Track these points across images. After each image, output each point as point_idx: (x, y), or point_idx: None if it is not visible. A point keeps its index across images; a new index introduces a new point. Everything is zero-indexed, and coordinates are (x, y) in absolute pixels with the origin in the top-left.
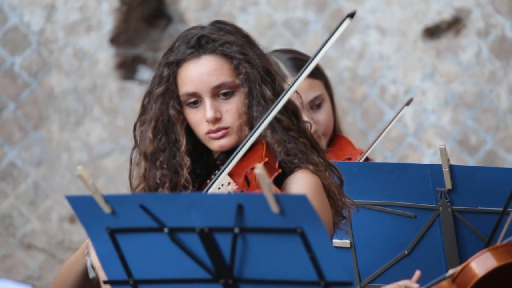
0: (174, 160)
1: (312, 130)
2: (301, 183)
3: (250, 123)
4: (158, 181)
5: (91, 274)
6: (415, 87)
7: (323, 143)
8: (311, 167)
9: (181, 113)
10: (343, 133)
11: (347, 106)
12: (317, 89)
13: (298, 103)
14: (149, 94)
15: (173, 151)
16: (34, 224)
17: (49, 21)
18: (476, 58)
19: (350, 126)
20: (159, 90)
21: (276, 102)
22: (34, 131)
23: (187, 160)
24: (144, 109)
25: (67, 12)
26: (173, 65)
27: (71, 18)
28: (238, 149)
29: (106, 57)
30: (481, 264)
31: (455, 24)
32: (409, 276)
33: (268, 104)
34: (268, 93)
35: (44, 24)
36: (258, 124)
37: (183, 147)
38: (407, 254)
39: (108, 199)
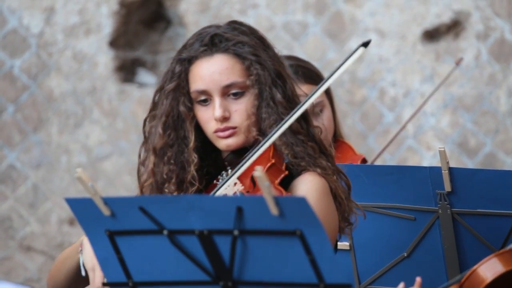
0: (182, 156)
1: (322, 136)
2: (308, 185)
3: (259, 124)
4: (165, 176)
5: (83, 273)
6: (414, 89)
7: (332, 149)
8: (318, 170)
9: (191, 110)
10: (344, 138)
11: (346, 108)
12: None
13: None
14: (160, 89)
15: (182, 147)
16: (34, 227)
17: (48, 24)
18: (476, 61)
19: (349, 129)
20: (170, 86)
21: (292, 113)
22: (33, 134)
23: (194, 157)
24: (154, 105)
25: (66, 15)
26: (185, 62)
27: (71, 21)
28: (250, 154)
29: (105, 59)
30: (489, 269)
31: (454, 27)
32: (408, 278)
33: (277, 106)
34: (278, 96)
35: (44, 26)
36: (272, 133)
37: (191, 144)
38: (406, 257)
39: (107, 201)
